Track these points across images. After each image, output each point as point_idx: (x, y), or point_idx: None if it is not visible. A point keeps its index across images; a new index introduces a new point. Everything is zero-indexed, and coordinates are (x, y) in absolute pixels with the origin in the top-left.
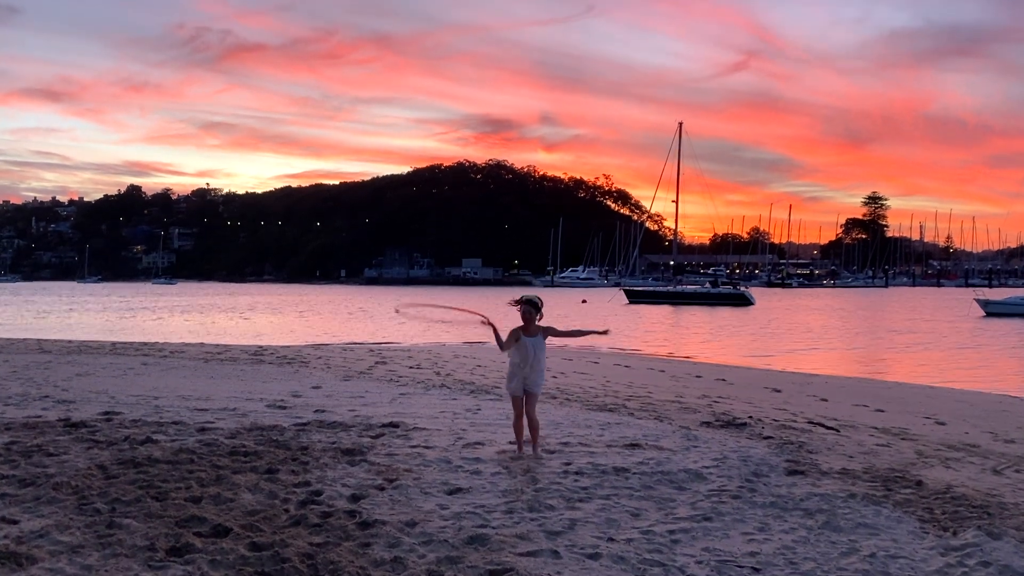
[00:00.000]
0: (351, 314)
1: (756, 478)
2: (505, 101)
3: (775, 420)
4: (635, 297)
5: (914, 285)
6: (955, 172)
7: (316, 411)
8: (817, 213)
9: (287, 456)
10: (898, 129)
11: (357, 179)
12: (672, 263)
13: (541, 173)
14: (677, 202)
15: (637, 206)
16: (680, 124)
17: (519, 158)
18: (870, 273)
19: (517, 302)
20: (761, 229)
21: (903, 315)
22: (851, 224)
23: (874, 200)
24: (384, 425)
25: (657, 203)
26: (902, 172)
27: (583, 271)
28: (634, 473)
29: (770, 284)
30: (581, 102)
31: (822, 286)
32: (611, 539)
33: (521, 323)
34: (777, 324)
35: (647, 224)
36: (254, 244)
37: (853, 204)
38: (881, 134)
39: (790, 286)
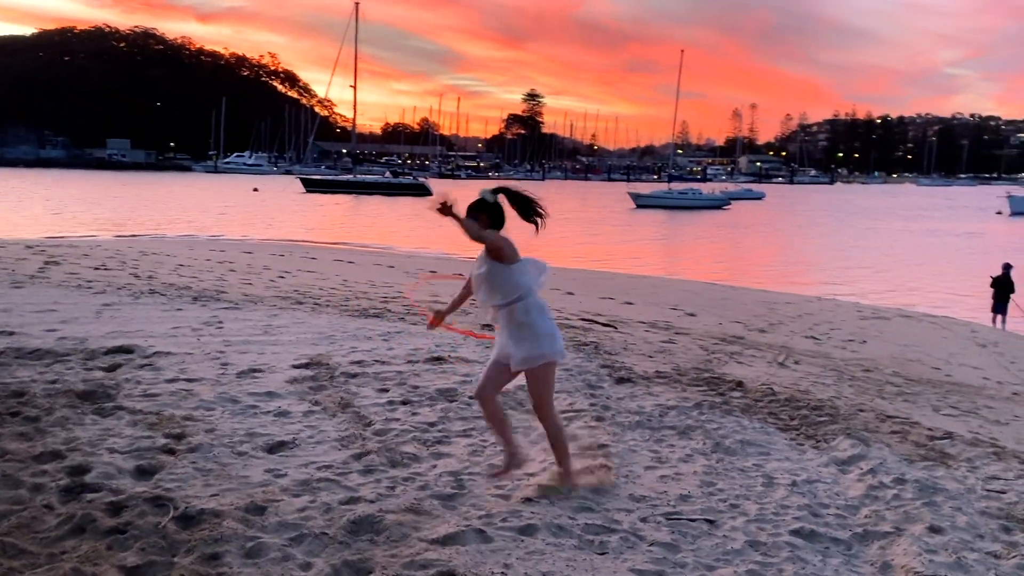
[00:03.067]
0: None
1: (593, 391)
2: None
3: None
4: (312, 186)
5: (566, 179)
6: (600, 75)
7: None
8: (480, 108)
9: None
10: (551, 30)
11: None
12: (345, 151)
13: (198, 47)
14: (355, 88)
15: (306, 90)
16: (356, 5)
17: (169, 28)
18: (528, 167)
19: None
20: (431, 121)
21: (570, 206)
22: (512, 120)
23: (532, 98)
24: (112, 351)
25: (325, 88)
26: (555, 71)
27: (250, 157)
28: (467, 396)
29: (441, 175)
30: None
31: (488, 178)
32: (527, 500)
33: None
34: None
35: (316, 110)
36: None
37: (513, 100)
38: (536, 33)
39: (459, 177)
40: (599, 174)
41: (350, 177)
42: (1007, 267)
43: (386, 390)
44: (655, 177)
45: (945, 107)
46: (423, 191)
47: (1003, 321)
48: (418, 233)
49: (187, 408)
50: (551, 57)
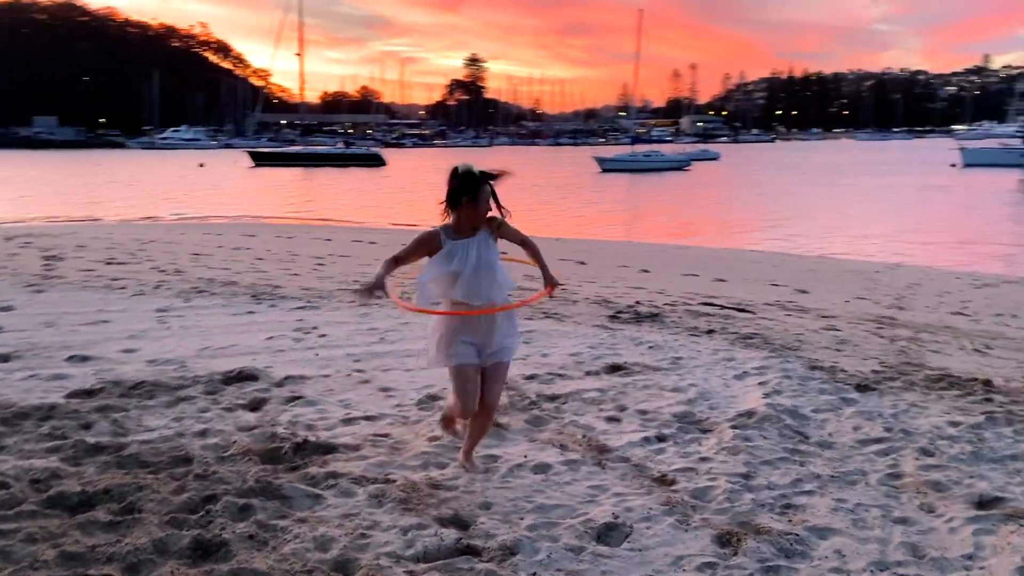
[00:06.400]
0: None
1: (852, 406)
2: None
3: (668, 304)
4: (261, 159)
5: (513, 145)
6: (536, 38)
7: (132, 352)
8: (418, 74)
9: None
10: None
11: None
12: (285, 122)
13: (124, 17)
14: (301, 55)
15: (240, 60)
16: None
17: None
18: (474, 133)
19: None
20: (371, 89)
21: (536, 173)
22: (455, 85)
23: (473, 62)
24: (230, 379)
25: (262, 58)
26: (492, 35)
27: (187, 131)
28: (719, 423)
29: (386, 144)
30: None
31: (434, 146)
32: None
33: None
34: (431, 184)
35: (252, 80)
36: None
37: (452, 66)
38: None
39: (404, 146)
40: (546, 139)
41: (300, 149)
42: None
43: (617, 420)
44: (601, 140)
45: (876, 63)
46: (378, 161)
47: None
48: (388, 206)
49: (412, 468)
50: (487, 21)
